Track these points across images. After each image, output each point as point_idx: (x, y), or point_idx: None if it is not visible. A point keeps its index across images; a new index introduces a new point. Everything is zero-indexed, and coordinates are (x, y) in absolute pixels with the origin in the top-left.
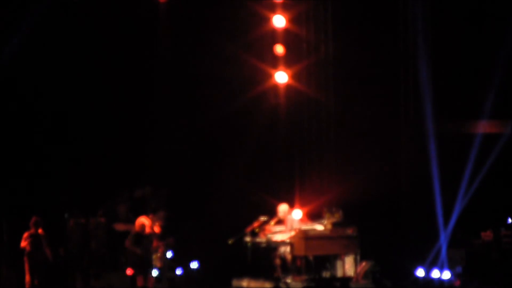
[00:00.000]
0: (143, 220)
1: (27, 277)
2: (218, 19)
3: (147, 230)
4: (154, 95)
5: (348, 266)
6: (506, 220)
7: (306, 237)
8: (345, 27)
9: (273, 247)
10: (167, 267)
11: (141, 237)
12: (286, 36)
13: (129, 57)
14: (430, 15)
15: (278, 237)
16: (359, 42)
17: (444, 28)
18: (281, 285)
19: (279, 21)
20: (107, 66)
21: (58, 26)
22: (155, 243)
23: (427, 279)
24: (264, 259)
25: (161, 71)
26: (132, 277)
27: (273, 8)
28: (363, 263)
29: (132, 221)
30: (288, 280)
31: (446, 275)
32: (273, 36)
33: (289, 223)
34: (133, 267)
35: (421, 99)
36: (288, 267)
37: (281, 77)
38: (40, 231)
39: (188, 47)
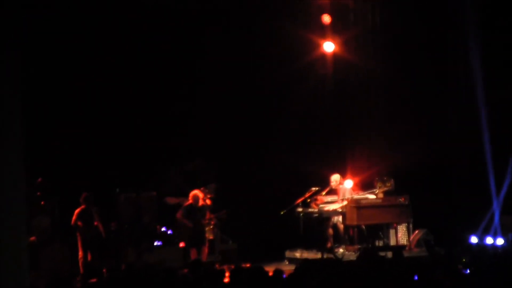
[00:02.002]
0: (196, 193)
1: (80, 253)
2: None
3: (200, 202)
4: (202, 68)
5: (401, 235)
6: None
7: (358, 206)
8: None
9: (325, 217)
10: (220, 239)
11: (194, 210)
12: (333, 5)
13: (175, 27)
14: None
15: (330, 207)
16: (407, 9)
17: None
18: (334, 255)
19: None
20: (150, 35)
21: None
22: (207, 216)
23: (481, 246)
24: (316, 229)
25: (204, 42)
26: (185, 250)
27: None
28: (416, 232)
29: (184, 195)
30: (341, 250)
31: (500, 241)
32: (320, 5)
33: (341, 193)
34: (185, 240)
35: (471, 66)
36: (340, 237)
37: (329, 46)
38: (91, 206)
39: (235, 19)
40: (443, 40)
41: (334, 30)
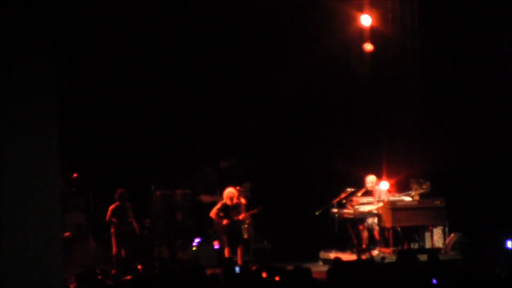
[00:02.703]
0: (232, 191)
1: (114, 250)
2: None
3: (235, 201)
4: (236, 65)
5: (436, 238)
6: None
7: (393, 208)
8: None
9: (360, 218)
10: (254, 239)
11: (228, 208)
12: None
13: (210, 24)
14: None
15: (365, 209)
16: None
17: None
18: (369, 256)
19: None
20: (186, 36)
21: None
22: (242, 214)
23: None
24: (351, 230)
25: (241, 43)
26: (219, 249)
27: None
28: (452, 235)
29: (218, 193)
30: (376, 252)
31: None
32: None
33: (377, 194)
34: (220, 239)
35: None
36: (375, 239)
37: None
38: (126, 203)
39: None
40: (481, 39)
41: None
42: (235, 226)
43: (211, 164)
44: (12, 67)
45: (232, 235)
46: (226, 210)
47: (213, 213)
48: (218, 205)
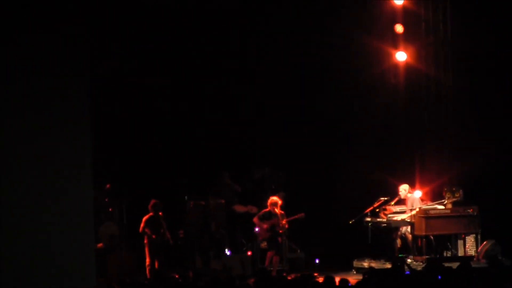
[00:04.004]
0: (275, 199)
1: (148, 260)
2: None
3: (278, 209)
4: (272, 76)
5: (469, 246)
6: None
7: (426, 216)
8: (464, 7)
9: (393, 227)
10: (288, 248)
11: (272, 215)
12: (405, 15)
13: (243, 36)
14: None
15: (398, 217)
16: (477, 21)
17: None
18: (406, 265)
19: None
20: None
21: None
22: (285, 220)
23: None
24: (385, 239)
25: (277, 51)
26: (253, 258)
27: None
28: (484, 243)
29: (252, 203)
30: (409, 260)
31: None
32: (393, 14)
33: (410, 203)
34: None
35: None
36: (408, 247)
37: (401, 56)
38: (159, 214)
39: (305, 27)
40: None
41: (406, 40)
42: (276, 233)
43: (245, 173)
44: (47, 77)
45: (274, 242)
46: (270, 217)
47: (256, 219)
48: (261, 213)
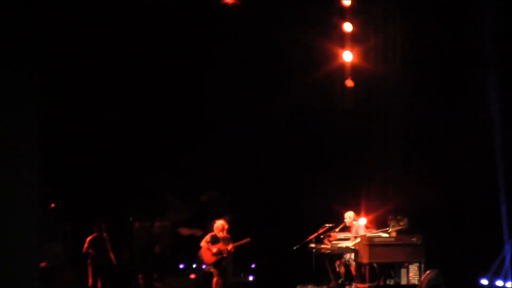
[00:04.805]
0: (222, 223)
1: (90, 281)
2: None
3: (225, 233)
4: (216, 99)
5: (412, 274)
6: None
7: (371, 244)
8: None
9: (337, 254)
10: (232, 272)
11: (218, 239)
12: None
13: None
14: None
15: (343, 244)
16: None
17: None
18: None
19: (348, 28)
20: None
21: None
22: (231, 245)
23: None
24: (328, 266)
25: (222, 64)
26: (197, 280)
27: None
28: (427, 272)
29: (197, 226)
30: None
31: (509, 285)
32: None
33: (355, 230)
34: (212, 265)
35: (490, 105)
36: (352, 275)
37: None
38: (103, 234)
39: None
40: (462, 79)
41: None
42: (223, 257)
43: (191, 196)
44: None
45: (219, 266)
46: (216, 241)
47: (203, 243)
48: (208, 236)
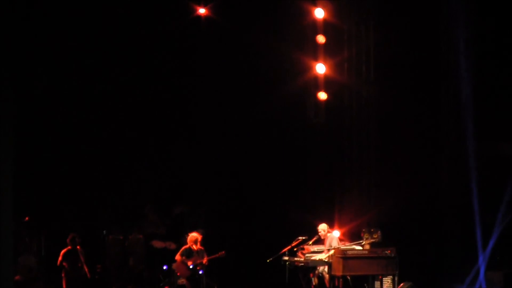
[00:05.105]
0: (195, 235)
1: None
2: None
3: (198, 245)
4: (189, 109)
5: (386, 287)
6: None
7: (344, 256)
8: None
9: (311, 266)
10: (205, 284)
11: (192, 252)
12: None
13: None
14: (472, 35)
15: (316, 257)
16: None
17: (485, 47)
18: None
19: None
20: (140, 74)
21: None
22: (206, 258)
23: None
24: (301, 278)
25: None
26: None
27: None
28: (401, 284)
29: (170, 239)
30: None
31: None
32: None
33: (328, 243)
34: (186, 279)
35: (462, 118)
36: (326, 287)
37: (321, 68)
38: (77, 247)
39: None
40: (434, 89)
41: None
42: (196, 270)
43: (164, 209)
44: None
45: (194, 279)
46: (190, 254)
47: (177, 257)
48: (183, 249)
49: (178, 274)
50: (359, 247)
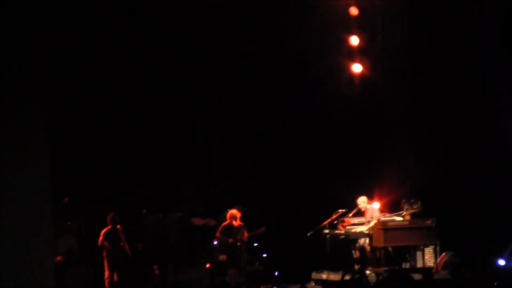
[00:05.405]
0: (235, 212)
1: (106, 273)
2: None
3: (238, 222)
4: (228, 93)
5: (427, 257)
6: None
7: (385, 228)
8: (421, 18)
9: (352, 239)
10: (246, 260)
11: (233, 229)
12: (361, 26)
13: (195, 55)
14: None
15: (357, 229)
16: (435, 32)
17: None
18: (363, 276)
19: (354, 11)
20: (170, 61)
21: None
22: (246, 234)
23: (508, 268)
24: (342, 251)
25: (232, 67)
26: (211, 270)
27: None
28: (443, 254)
29: (210, 216)
30: (368, 272)
31: None
32: (349, 26)
33: (368, 215)
34: (226, 255)
35: (499, 91)
36: (367, 259)
37: (357, 68)
38: (118, 227)
39: (260, 40)
40: (470, 65)
41: (362, 51)
42: (236, 247)
43: (203, 187)
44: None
45: (234, 255)
46: (230, 231)
47: (218, 234)
48: (222, 226)
49: (219, 250)
50: (400, 218)
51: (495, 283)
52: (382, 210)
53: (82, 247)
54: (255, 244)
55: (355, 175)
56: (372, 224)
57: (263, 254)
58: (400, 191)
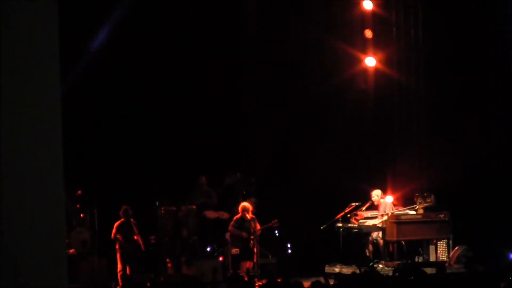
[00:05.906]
0: (247, 205)
1: (119, 266)
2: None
3: (250, 215)
4: (242, 84)
5: (440, 251)
6: None
7: (398, 222)
8: (435, 12)
9: (365, 232)
10: (259, 253)
11: (245, 222)
12: (376, 20)
13: (215, 45)
14: None
15: (370, 223)
16: (449, 28)
17: None
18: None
19: (368, 4)
20: (191, 53)
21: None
22: (259, 227)
23: None
24: (356, 244)
25: (248, 58)
26: (224, 263)
27: None
28: (456, 248)
29: (223, 208)
30: (381, 266)
31: None
32: (362, 20)
33: (382, 208)
34: (239, 248)
35: None
36: (380, 253)
37: (370, 61)
38: (131, 220)
39: (275, 32)
40: (484, 60)
41: (376, 45)
42: (251, 239)
43: (216, 179)
44: (16, 81)
45: (247, 248)
46: (243, 223)
47: (230, 227)
48: (235, 219)
49: (232, 244)
50: (413, 212)
51: (510, 278)
52: (395, 204)
53: (95, 240)
54: (276, 232)
55: (369, 169)
56: (384, 218)
57: (288, 244)
58: (414, 184)
